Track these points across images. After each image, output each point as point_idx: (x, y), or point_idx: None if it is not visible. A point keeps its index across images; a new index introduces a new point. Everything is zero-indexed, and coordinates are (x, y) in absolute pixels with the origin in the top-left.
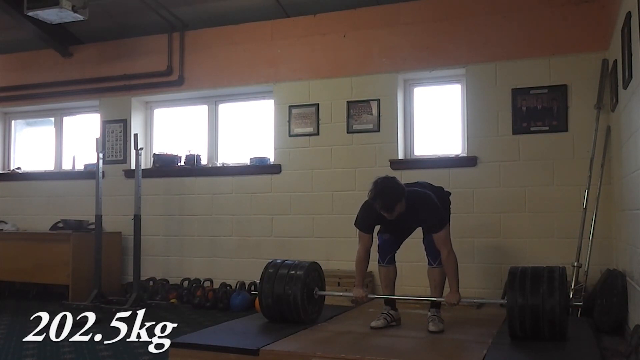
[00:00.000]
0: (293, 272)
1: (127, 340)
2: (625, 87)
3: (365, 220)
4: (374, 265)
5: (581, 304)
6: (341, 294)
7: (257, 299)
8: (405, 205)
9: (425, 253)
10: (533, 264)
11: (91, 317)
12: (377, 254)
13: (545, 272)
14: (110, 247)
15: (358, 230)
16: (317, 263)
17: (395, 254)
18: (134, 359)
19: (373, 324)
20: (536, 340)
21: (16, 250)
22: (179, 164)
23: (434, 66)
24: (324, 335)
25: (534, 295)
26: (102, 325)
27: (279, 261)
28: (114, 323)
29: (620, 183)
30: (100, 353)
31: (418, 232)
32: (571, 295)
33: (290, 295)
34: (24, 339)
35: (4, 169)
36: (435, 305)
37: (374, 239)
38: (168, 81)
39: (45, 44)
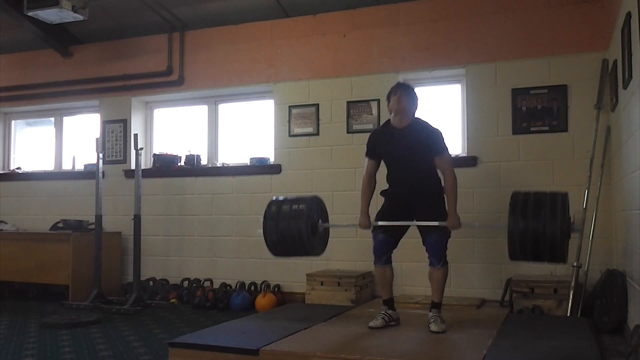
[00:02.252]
0: (296, 206)
1: (127, 339)
2: (625, 87)
3: (370, 143)
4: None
5: (581, 229)
6: (345, 224)
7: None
8: (414, 123)
9: (427, 255)
10: (533, 265)
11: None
12: (373, 255)
13: (548, 197)
14: (110, 247)
15: (366, 158)
16: (318, 197)
17: (392, 255)
18: (134, 358)
19: (371, 324)
20: (537, 261)
21: (16, 250)
22: (179, 164)
23: (434, 66)
24: (324, 335)
25: (535, 218)
26: (102, 325)
27: (281, 198)
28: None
29: (620, 183)
30: (100, 353)
31: (415, 232)
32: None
33: (295, 229)
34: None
35: (4, 169)
36: (436, 305)
37: (372, 242)
38: (168, 81)
39: (45, 44)
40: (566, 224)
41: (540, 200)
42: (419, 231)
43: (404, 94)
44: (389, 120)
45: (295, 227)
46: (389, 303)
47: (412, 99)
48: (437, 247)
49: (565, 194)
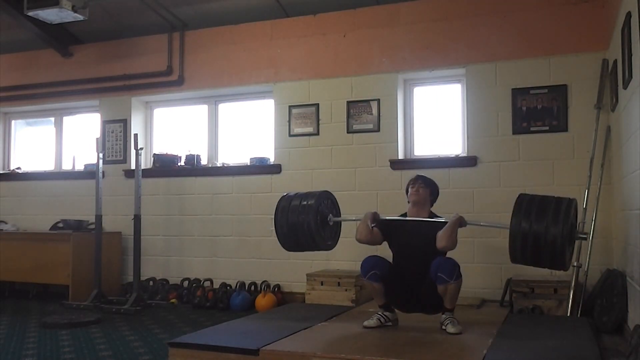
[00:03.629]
0: (305, 202)
1: (127, 339)
2: (625, 87)
3: (385, 222)
4: None
5: (586, 236)
6: (354, 217)
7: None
8: (428, 214)
9: (439, 274)
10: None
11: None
12: (360, 268)
13: (553, 201)
14: (110, 247)
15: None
16: (329, 191)
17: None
18: (134, 358)
19: (366, 323)
20: (536, 265)
21: (16, 250)
22: (179, 164)
23: (434, 66)
24: (324, 335)
25: (538, 222)
26: (102, 325)
27: (292, 194)
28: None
29: (620, 183)
30: (100, 353)
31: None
32: (578, 227)
33: (304, 223)
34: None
35: (4, 169)
36: (448, 309)
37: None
38: (168, 81)
39: (45, 44)
40: (568, 229)
41: (545, 204)
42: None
43: (422, 186)
44: (406, 212)
45: (304, 221)
46: (385, 306)
47: (431, 191)
48: (447, 262)
49: (571, 200)
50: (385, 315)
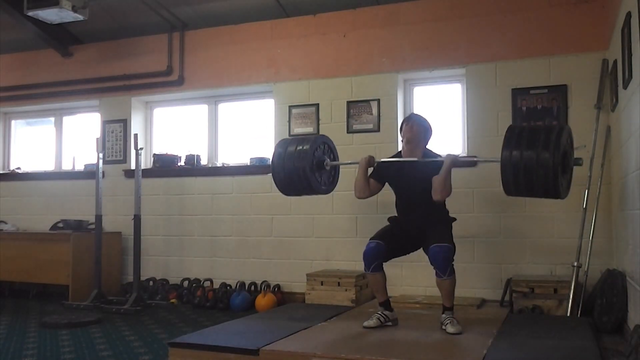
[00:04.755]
0: (301, 147)
1: (127, 339)
2: (625, 87)
3: (379, 167)
4: None
5: (582, 161)
6: (350, 162)
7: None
8: (425, 155)
9: (433, 267)
10: (533, 264)
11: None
12: (362, 261)
13: (543, 129)
14: (110, 247)
15: (370, 179)
16: (325, 136)
17: (383, 263)
18: (134, 358)
19: (365, 323)
20: (530, 195)
21: (16, 250)
22: (179, 164)
23: (434, 66)
24: (324, 335)
25: (528, 150)
26: (102, 325)
27: (288, 139)
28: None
29: (620, 183)
30: (100, 353)
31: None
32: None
33: (300, 169)
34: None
35: (4, 169)
36: (448, 309)
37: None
38: (168, 81)
39: (45, 44)
40: (560, 155)
41: (535, 133)
42: (423, 250)
43: (416, 124)
44: (400, 151)
45: (300, 166)
46: (385, 304)
47: (425, 129)
48: (440, 255)
49: (562, 126)
50: (385, 314)
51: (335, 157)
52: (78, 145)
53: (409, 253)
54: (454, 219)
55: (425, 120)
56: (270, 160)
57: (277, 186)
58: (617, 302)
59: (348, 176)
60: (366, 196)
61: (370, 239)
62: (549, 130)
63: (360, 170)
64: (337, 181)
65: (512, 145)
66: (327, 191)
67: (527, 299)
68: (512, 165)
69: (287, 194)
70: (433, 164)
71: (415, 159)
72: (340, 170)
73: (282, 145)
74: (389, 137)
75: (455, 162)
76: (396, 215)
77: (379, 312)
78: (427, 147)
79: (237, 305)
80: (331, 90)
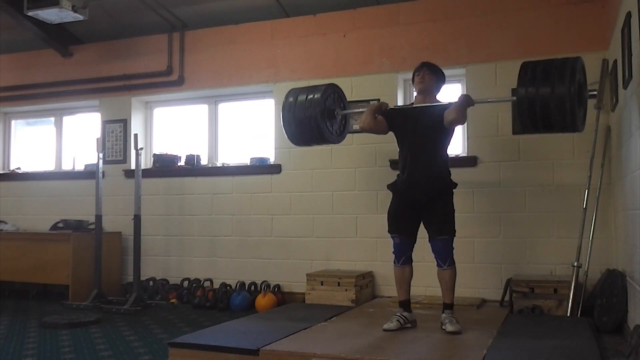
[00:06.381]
0: (311, 95)
1: (127, 339)
2: (625, 87)
3: (390, 111)
4: (374, 265)
5: (595, 93)
6: (361, 109)
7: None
8: (434, 98)
9: (434, 256)
10: (533, 265)
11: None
12: (393, 255)
13: (558, 63)
14: (110, 247)
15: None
16: (335, 84)
17: (412, 255)
18: (134, 358)
19: (386, 326)
20: (548, 131)
21: (16, 250)
22: (179, 164)
23: None
24: (324, 335)
25: (543, 85)
26: (102, 325)
27: (298, 88)
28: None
29: (620, 183)
30: (100, 353)
31: (422, 232)
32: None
33: (311, 118)
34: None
35: (4, 169)
36: (448, 307)
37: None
38: (168, 81)
39: (45, 44)
40: (576, 87)
41: (549, 67)
42: (426, 229)
43: (428, 73)
44: (412, 102)
45: (311, 115)
46: (405, 305)
47: (437, 78)
48: (441, 247)
49: (576, 59)
50: (404, 316)
51: (345, 107)
52: (78, 145)
53: (420, 222)
54: (456, 185)
55: (436, 68)
56: (281, 109)
57: (288, 137)
58: (617, 302)
59: (348, 176)
60: (369, 128)
61: (390, 234)
62: (564, 64)
63: (368, 112)
64: (347, 131)
65: (527, 81)
66: (338, 140)
67: (527, 299)
68: (529, 101)
69: (297, 144)
70: (443, 110)
71: (426, 104)
72: (341, 170)
73: (293, 94)
74: (389, 137)
75: (470, 101)
76: (396, 182)
77: (398, 314)
78: (437, 97)
79: (237, 305)
80: None
